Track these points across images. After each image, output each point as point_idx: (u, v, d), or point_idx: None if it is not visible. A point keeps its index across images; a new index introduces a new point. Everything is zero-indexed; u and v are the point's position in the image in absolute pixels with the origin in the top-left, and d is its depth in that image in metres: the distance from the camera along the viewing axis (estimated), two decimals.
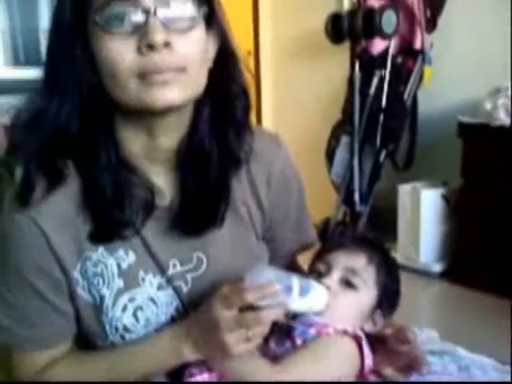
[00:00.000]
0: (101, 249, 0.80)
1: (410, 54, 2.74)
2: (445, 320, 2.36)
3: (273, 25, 3.66)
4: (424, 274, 2.72)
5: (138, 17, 0.70)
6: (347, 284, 0.89)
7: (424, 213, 2.71)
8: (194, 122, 0.81)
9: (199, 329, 0.77)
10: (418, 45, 2.72)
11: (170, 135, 0.80)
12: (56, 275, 0.79)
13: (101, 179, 0.76)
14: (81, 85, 0.74)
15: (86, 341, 0.84)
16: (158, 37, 0.69)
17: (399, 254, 2.68)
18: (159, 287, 0.83)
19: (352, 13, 2.81)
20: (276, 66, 3.69)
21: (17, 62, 3.81)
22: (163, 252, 0.83)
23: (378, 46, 2.76)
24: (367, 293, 0.90)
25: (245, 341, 0.75)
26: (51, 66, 0.77)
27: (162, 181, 0.83)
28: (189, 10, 0.73)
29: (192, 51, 0.73)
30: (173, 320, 0.84)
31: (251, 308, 0.74)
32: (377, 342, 0.90)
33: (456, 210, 2.66)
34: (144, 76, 0.71)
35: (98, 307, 0.81)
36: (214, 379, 0.80)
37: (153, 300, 0.82)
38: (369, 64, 2.78)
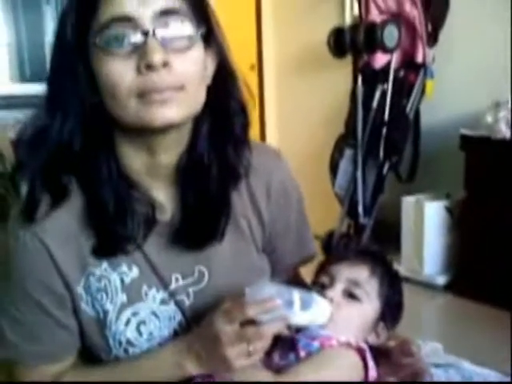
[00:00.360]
0: (104, 264, 0.81)
1: (412, 68, 2.76)
2: (449, 332, 2.35)
3: (276, 39, 3.69)
4: (428, 286, 2.71)
5: (137, 38, 0.72)
6: (350, 296, 0.90)
7: (427, 225, 2.71)
8: (193, 138, 0.82)
9: (201, 343, 0.78)
10: (419, 58, 2.74)
11: (170, 152, 0.81)
12: (60, 291, 0.80)
13: (102, 195, 0.78)
14: (83, 103, 0.76)
15: (91, 354, 0.85)
16: (157, 57, 0.70)
17: (403, 266, 2.68)
18: (162, 302, 0.83)
19: (354, 27, 2.83)
20: (279, 79, 3.71)
21: (23, 76, 3.84)
22: (166, 267, 0.84)
23: (380, 59, 2.78)
24: (370, 305, 0.90)
25: (246, 355, 0.75)
26: (54, 84, 0.78)
27: (163, 196, 0.84)
28: (187, 29, 0.75)
29: (190, 70, 0.74)
30: (176, 334, 0.84)
31: (252, 322, 0.75)
32: (380, 354, 0.90)
33: (459, 221, 2.66)
34: (143, 95, 0.72)
35: (102, 321, 0.81)
36: None
37: (155, 314, 0.83)
38: (371, 78, 2.80)
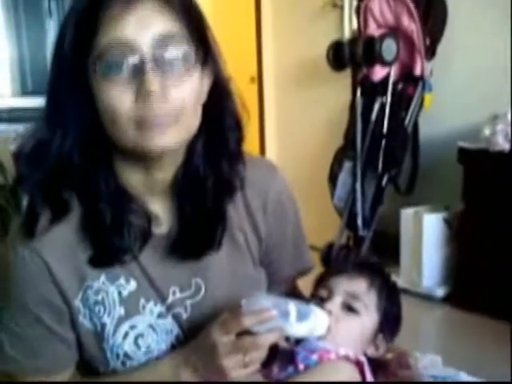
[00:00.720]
0: (102, 277, 0.81)
1: (410, 81, 2.77)
2: (448, 344, 2.34)
3: (276, 52, 3.72)
4: (427, 298, 2.70)
5: (135, 62, 0.72)
6: (349, 309, 0.90)
7: (426, 237, 2.71)
8: (189, 154, 0.83)
9: (198, 355, 0.78)
10: (418, 72, 2.75)
11: (166, 169, 0.82)
12: (59, 305, 0.80)
13: (100, 207, 0.79)
14: (81, 122, 0.76)
15: (88, 367, 0.85)
16: (155, 85, 0.71)
17: (402, 278, 2.67)
18: (159, 315, 0.84)
19: (353, 41, 2.85)
20: (279, 92, 3.73)
21: (25, 90, 3.85)
22: (163, 280, 0.84)
23: (378, 73, 2.80)
24: (369, 317, 0.91)
25: (243, 365, 0.76)
26: (53, 100, 0.78)
27: (160, 209, 0.85)
28: (186, 53, 0.75)
29: (187, 97, 0.75)
30: (173, 347, 0.84)
31: (248, 333, 0.75)
32: (378, 366, 0.91)
33: (458, 233, 2.67)
34: (141, 122, 0.73)
35: (100, 335, 0.82)
36: None
37: (153, 328, 0.83)
38: (370, 90, 2.81)
